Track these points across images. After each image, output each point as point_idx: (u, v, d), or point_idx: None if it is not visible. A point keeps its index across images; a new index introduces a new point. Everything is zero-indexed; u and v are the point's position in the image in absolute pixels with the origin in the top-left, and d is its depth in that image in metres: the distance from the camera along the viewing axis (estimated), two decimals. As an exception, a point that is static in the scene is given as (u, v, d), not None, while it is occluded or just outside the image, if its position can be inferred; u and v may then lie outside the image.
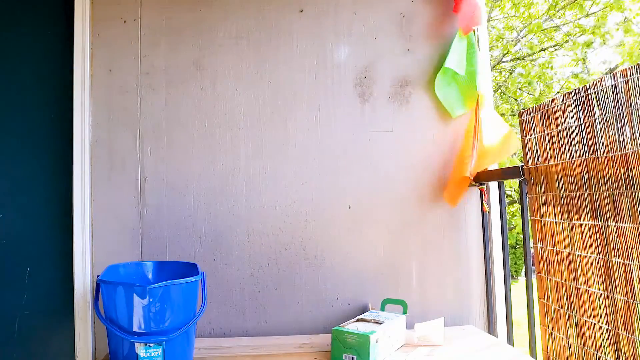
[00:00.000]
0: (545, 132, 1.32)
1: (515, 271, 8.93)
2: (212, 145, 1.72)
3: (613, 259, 1.10)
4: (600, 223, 1.14)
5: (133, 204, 1.68)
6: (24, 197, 1.66)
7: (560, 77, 7.91)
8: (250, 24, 1.76)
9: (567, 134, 1.23)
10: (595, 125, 1.13)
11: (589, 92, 1.15)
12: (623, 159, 1.05)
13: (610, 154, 1.09)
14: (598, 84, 1.11)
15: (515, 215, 7.91)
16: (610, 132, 1.08)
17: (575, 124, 1.20)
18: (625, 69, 1.03)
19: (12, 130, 1.67)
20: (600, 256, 1.14)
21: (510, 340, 1.65)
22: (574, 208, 1.22)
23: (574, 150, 1.21)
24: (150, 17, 1.73)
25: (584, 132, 1.17)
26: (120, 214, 1.67)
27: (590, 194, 1.16)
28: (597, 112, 1.12)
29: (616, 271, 1.09)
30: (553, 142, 1.29)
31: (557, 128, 1.27)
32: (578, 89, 1.18)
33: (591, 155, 1.15)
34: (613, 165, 1.08)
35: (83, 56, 1.67)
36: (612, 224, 1.10)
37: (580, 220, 1.20)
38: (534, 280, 1.45)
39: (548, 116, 1.31)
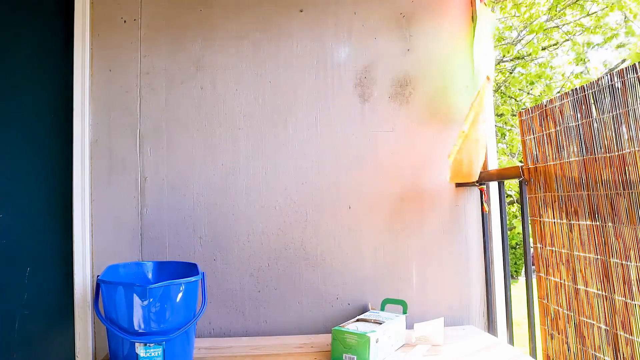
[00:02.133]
0: (544, 132, 1.32)
1: (515, 271, 8.93)
2: (212, 145, 1.72)
3: (611, 260, 1.10)
4: (598, 224, 1.14)
5: (133, 204, 1.68)
6: (24, 197, 1.66)
7: (560, 77, 7.90)
8: (250, 24, 1.76)
9: (565, 134, 1.23)
10: (593, 126, 1.13)
11: (586, 92, 1.15)
12: (620, 160, 1.05)
13: (608, 155, 1.09)
14: (595, 84, 1.11)
15: (516, 216, 7.91)
16: (608, 133, 1.08)
17: (573, 124, 1.20)
18: (622, 69, 1.03)
19: (12, 131, 1.67)
20: (599, 257, 1.14)
21: (510, 340, 1.65)
22: (572, 208, 1.22)
23: (571, 151, 1.21)
24: (150, 17, 1.73)
25: (581, 132, 1.17)
26: (120, 214, 1.67)
27: (588, 195, 1.16)
28: (594, 112, 1.12)
29: (614, 272, 1.09)
30: (551, 142, 1.29)
31: (555, 128, 1.27)
32: (576, 89, 1.18)
33: (589, 156, 1.15)
34: (610, 165, 1.08)
35: (83, 56, 1.67)
36: (610, 224, 1.10)
37: (578, 221, 1.20)
38: (534, 280, 1.45)
39: (546, 116, 1.31)
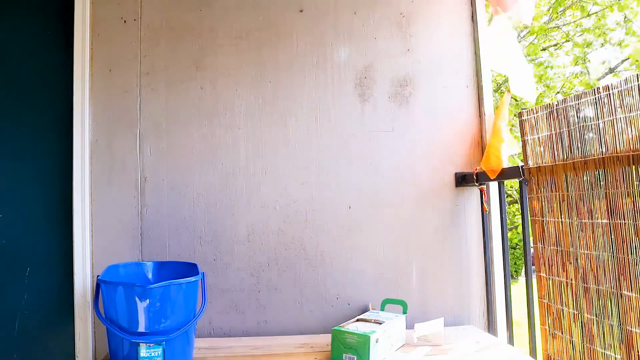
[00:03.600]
0: (553, 131, 1.32)
1: (515, 271, 8.93)
2: (212, 145, 1.72)
3: (628, 257, 1.09)
4: (614, 221, 1.13)
5: (133, 204, 1.68)
6: (24, 198, 1.66)
7: (559, 77, 7.90)
8: (250, 24, 1.76)
9: (579, 133, 1.23)
10: (616, 124, 1.12)
11: (610, 91, 1.14)
12: None
13: (632, 153, 1.08)
14: (622, 83, 1.11)
15: (517, 215, 7.90)
16: (633, 130, 1.08)
17: (591, 123, 1.19)
18: None
19: (12, 131, 1.67)
20: (614, 254, 1.13)
21: (510, 340, 1.65)
22: (585, 207, 1.21)
23: (587, 149, 1.21)
24: (150, 17, 1.73)
25: (601, 130, 1.16)
26: (120, 214, 1.67)
27: (606, 193, 1.16)
28: (618, 111, 1.12)
29: (632, 269, 1.08)
30: (562, 141, 1.28)
31: (567, 127, 1.27)
32: (598, 88, 1.18)
33: (609, 154, 1.14)
34: (633, 162, 1.07)
35: (83, 56, 1.67)
36: (629, 222, 1.09)
37: (592, 219, 1.20)
38: (534, 280, 1.45)
39: (557, 115, 1.30)
